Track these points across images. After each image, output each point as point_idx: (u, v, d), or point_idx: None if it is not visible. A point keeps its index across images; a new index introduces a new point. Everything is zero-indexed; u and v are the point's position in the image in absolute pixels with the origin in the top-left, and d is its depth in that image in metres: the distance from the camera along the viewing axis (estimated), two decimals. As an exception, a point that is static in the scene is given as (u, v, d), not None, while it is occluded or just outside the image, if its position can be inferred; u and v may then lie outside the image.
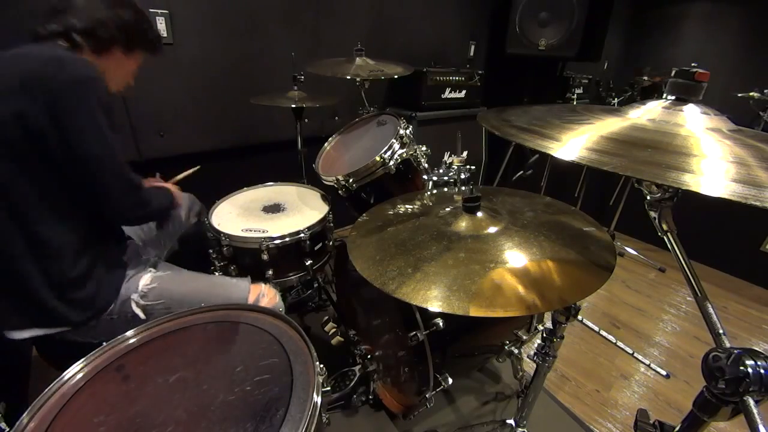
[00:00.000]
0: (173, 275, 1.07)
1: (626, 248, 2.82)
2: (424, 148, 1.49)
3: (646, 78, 2.61)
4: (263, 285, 1.13)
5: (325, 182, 1.49)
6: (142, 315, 0.97)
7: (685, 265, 0.57)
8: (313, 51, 2.13)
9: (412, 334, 1.01)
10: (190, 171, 1.42)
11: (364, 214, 1.02)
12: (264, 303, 1.08)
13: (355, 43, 1.74)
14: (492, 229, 0.84)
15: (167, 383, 0.69)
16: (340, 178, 1.40)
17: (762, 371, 0.43)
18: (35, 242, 0.84)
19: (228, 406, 0.64)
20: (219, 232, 1.26)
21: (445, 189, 1.25)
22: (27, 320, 0.90)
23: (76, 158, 0.81)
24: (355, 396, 1.42)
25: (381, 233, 0.89)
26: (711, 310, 0.52)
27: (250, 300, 1.06)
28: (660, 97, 0.68)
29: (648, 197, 0.61)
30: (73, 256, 0.88)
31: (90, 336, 0.95)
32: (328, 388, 0.70)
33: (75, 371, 0.72)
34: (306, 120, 1.84)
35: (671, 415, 1.57)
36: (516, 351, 1.26)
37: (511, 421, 1.22)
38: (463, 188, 1.13)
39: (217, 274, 1.35)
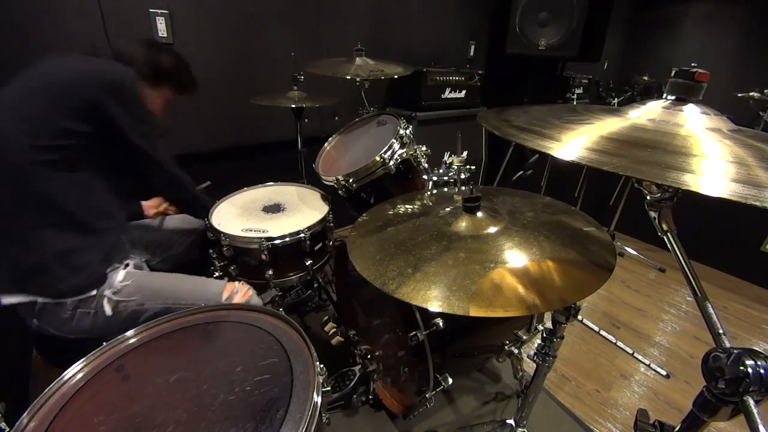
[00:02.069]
0: (147, 273, 1.11)
1: (626, 248, 2.82)
2: (424, 148, 1.49)
3: (646, 77, 2.62)
4: (236, 283, 1.15)
5: (325, 182, 1.49)
6: (108, 311, 0.96)
7: (685, 265, 0.57)
8: (313, 51, 2.13)
9: (412, 334, 1.01)
10: (201, 186, 1.45)
11: (364, 214, 1.02)
12: (237, 299, 1.09)
13: (355, 43, 1.74)
14: (492, 229, 0.84)
15: (167, 383, 0.69)
16: (340, 178, 1.40)
17: (762, 371, 0.43)
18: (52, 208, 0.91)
19: (228, 406, 0.64)
20: (219, 232, 1.26)
21: (445, 189, 1.25)
22: (21, 284, 0.92)
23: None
24: (355, 396, 1.42)
25: (381, 233, 0.89)
26: (711, 310, 0.52)
27: (224, 295, 1.09)
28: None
29: (648, 197, 0.61)
30: (88, 231, 0.97)
31: (66, 329, 0.96)
32: (328, 388, 0.70)
33: (75, 371, 0.72)
34: (306, 120, 1.84)
35: (671, 415, 1.57)
36: (516, 351, 1.26)
37: (511, 421, 1.22)
38: (463, 188, 1.12)
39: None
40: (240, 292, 1.12)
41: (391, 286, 0.69)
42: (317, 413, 0.63)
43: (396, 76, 1.68)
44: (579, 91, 2.88)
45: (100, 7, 1.52)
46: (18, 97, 0.90)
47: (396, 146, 1.38)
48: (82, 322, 0.96)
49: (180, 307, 1.02)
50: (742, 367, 0.44)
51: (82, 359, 0.74)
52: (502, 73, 3.02)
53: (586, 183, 2.87)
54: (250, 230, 1.28)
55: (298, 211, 1.44)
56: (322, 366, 0.71)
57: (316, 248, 1.38)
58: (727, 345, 0.48)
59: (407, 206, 1.04)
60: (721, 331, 0.50)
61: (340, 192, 1.46)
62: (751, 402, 0.43)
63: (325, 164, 1.59)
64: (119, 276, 1.01)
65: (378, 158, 1.36)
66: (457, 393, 1.52)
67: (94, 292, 0.96)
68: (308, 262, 1.35)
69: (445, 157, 1.33)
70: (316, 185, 1.62)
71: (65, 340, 0.99)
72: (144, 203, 1.39)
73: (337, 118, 2.34)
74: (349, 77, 1.61)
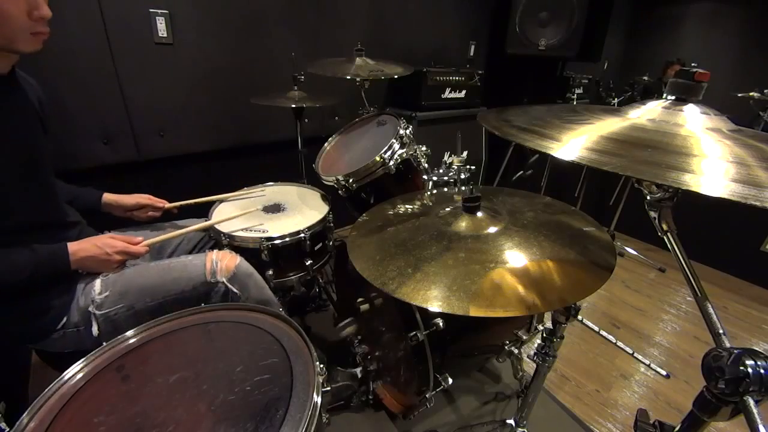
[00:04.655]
0: (123, 273, 1.00)
1: (626, 248, 2.82)
2: (424, 148, 1.49)
3: (646, 78, 2.62)
4: (215, 251, 1.06)
5: (325, 182, 1.49)
6: (95, 331, 0.91)
7: (685, 265, 0.57)
8: (313, 51, 2.13)
9: (412, 334, 1.01)
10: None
11: (364, 214, 1.02)
12: (222, 267, 1.02)
13: (355, 43, 1.74)
14: (492, 229, 0.84)
15: (167, 383, 0.69)
16: (340, 178, 1.40)
17: (762, 371, 0.43)
18: None
19: (228, 406, 0.64)
20: (219, 232, 1.26)
21: (445, 189, 1.25)
22: None
23: None
24: (355, 396, 1.42)
25: (381, 233, 0.89)
26: (711, 310, 0.52)
27: (207, 269, 1.01)
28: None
29: (648, 197, 0.61)
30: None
31: (59, 347, 0.94)
32: (328, 388, 0.70)
33: (75, 371, 0.72)
34: (306, 120, 1.84)
35: (671, 415, 1.57)
36: (516, 351, 1.26)
37: (511, 421, 1.22)
38: (463, 188, 1.13)
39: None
40: (222, 260, 1.03)
41: (391, 286, 0.69)
42: (317, 413, 0.63)
43: (396, 76, 1.68)
44: (579, 91, 2.88)
45: (100, 7, 1.52)
46: None
47: (396, 146, 1.38)
48: (75, 339, 0.94)
49: (171, 298, 0.97)
50: (742, 367, 0.44)
51: (82, 359, 0.74)
52: (502, 73, 3.02)
53: (586, 183, 2.87)
54: (250, 230, 1.28)
55: (298, 211, 1.44)
56: (322, 366, 0.71)
57: (316, 248, 1.38)
58: (727, 345, 0.48)
59: (407, 206, 1.04)
60: (721, 331, 0.50)
61: (340, 192, 1.46)
62: (751, 402, 0.43)
63: (325, 164, 1.60)
64: (97, 287, 0.95)
65: (378, 158, 1.36)
66: (457, 393, 1.52)
67: (64, 319, 0.91)
68: (308, 262, 1.35)
69: (445, 157, 1.33)
70: (316, 185, 1.62)
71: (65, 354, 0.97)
72: (115, 203, 1.20)
73: (337, 118, 2.34)
74: (349, 77, 1.61)
